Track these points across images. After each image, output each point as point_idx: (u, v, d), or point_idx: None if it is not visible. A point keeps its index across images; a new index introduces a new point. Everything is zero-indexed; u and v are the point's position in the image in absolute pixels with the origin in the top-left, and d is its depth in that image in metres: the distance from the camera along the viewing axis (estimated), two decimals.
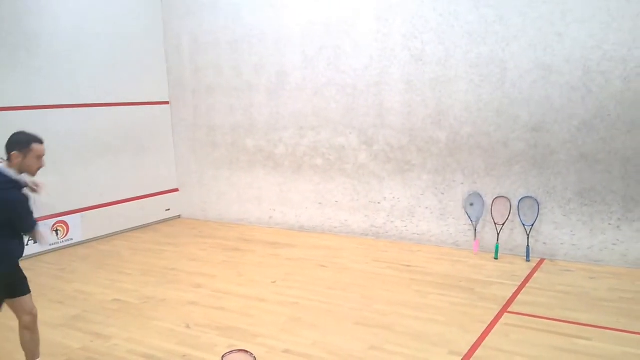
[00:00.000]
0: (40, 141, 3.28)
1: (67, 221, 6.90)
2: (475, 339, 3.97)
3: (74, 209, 7.01)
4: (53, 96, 6.77)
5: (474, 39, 5.85)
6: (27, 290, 3.45)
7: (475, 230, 6.01)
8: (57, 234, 6.80)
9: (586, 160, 5.45)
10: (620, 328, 4.05)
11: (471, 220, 5.98)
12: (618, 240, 5.38)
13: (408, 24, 6.21)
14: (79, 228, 7.05)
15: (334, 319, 4.45)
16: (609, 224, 5.41)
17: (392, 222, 6.69)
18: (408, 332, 4.13)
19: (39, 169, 3.30)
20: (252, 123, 7.56)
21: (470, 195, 5.96)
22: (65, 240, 6.91)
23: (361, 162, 6.80)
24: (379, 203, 6.75)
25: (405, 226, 6.59)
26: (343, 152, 6.91)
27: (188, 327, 4.38)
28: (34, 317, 3.48)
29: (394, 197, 6.63)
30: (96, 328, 4.42)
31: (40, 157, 3.27)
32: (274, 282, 5.39)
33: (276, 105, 7.31)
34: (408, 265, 5.73)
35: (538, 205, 5.72)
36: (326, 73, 6.84)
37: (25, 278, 3.47)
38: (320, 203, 7.19)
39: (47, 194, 3.44)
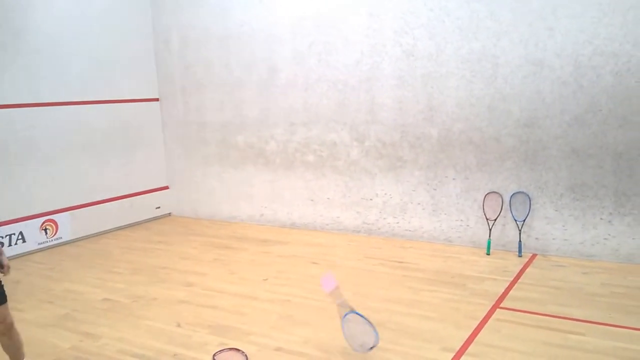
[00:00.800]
0: None
1: (56, 220, 6.82)
2: (467, 335, 3.96)
3: (63, 207, 6.93)
4: (40, 94, 6.68)
5: (465, 35, 5.83)
6: (3, 300, 3.29)
7: None
8: (46, 233, 6.73)
9: (578, 155, 5.45)
10: (613, 323, 4.06)
11: None
12: (610, 235, 5.39)
13: (399, 20, 6.17)
14: (68, 227, 6.97)
15: (326, 316, 4.41)
16: (601, 219, 5.42)
17: (384, 218, 6.67)
18: (401, 329, 4.12)
19: None
20: (243, 119, 7.51)
21: None
22: (54, 239, 6.84)
23: (353, 159, 6.77)
24: (370, 199, 6.72)
25: (397, 222, 6.57)
26: (335, 148, 6.88)
27: (179, 325, 4.33)
28: (9, 324, 3.34)
29: (385, 194, 6.61)
30: (86, 327, 4.37)
31: None
32: (266, 279, 5.35)
33: (267, 101, 7.26)
34: (400, 262, 5.72)
35: (530, 201, 5.72)
36: (317, 69, 6.80)
37: (2, 287, 3.30)
38: (312, 200, 7.16)
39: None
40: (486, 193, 5.94)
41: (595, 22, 5.19)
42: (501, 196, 5.86)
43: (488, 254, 5.83)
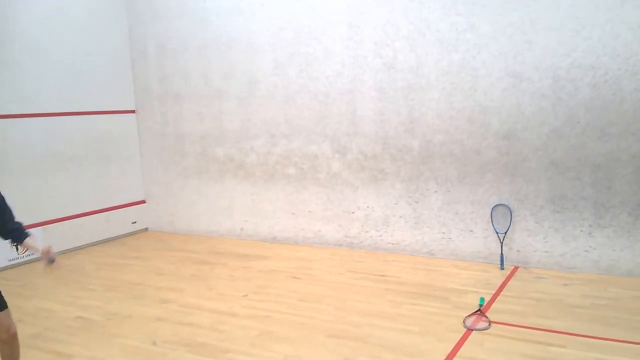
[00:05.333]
0: None
1: None
2: (450, 349, 3.90)
3: (34, 222, 6.71)
4: (12, 105, 6.50)
5: (445, 47, 5.85)
6: (4, 305, 3.35)
7: None
8: (17, 249, 6.51)
9: (557, 167, 5.48)
10: (594, 335, 4.04)
11: None
12: (590, 246, 5.41)
13: (380, 31, 6.18)
14: (40, 242, 6.72)
15: (307, 331, 4.33)
16: (581, 231, 5.44)
17: (366, 231, 6.61)
18: (382, 343, 4.05)
19: None
20: (222, 131, 7.41)
21: None
22: (26, 255, 6.62)
23: (334, 171, 6.72)
24: (352, 213, 6.66)
25: (380, 236, 6.52)
26: (316, 160, 6.82)
27: (155, 344, 4.20)
28: (12, 334, 3.39)
29: (367, 207, 6.56)
30: (57, 347, 4.22)
31: None
32: (245, 295, 5.24)
33: (247, 113, 7.19)
34: (382, 275, 5.65)
35: (511, 213, 5.71)
36: (298, 80, 6.76)
37: (0, 292, 3.35)
38: (293, 213, 7.07)
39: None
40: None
41: (574, 35, 5.24)
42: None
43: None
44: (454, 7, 5.75)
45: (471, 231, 5.97)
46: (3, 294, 3.42)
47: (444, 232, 6.13)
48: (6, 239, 3.32)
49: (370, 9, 6.20)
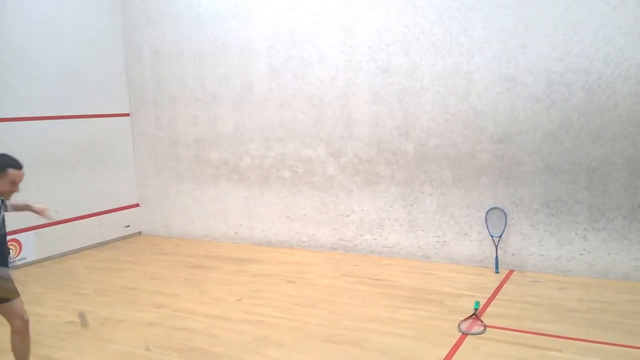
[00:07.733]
0: (18, 167, 3.28)
1: (19, 239, 6.56)
2: (445, 353, 3.89)
3: (27, 226, 6.66)
4: (6, 108, 6.46)
5: (439, 51, 5.86)
6: (17, 293, 3.37)
7: None
8: (9, 253, 6.44)
9: (551, 170, 5.49)
10: (590, 339, 4.04)
11: None
12: (585, 250, 5.41)
13: (374, 36, 6.18)
14: (32, 246, 6.70)
15: (302, 336, 4.30)
16: (576, 234, 5.44)
17: (361, 235, 6.59)
18: (377, 347, 4.02)
19: (11, 193, 3.30)
20: (217, 135, 7.39)
21: None
22: (18, 260, 6.56)
23: (329, 175, 6.70)
24: (347, 216, 6.65)
25: (375, 239, 6.50)
26: (311, 164, 6.80)
27: (148, 349, 4.16)
28: (26, 322, 3.43)
29: (362, 210, 6.54)
30: (49, 352, 4.17)
31: (15, 183, 3.27)
32: (240, 299, 5.20)
33: (241, 116, 7.17)
34: (377, 279, 5.64)
35: (505, 216, 5.71)
36: (292, 84, 6.75)
37: (13, 281, 3.39)
38: (287, 217, 7.04)
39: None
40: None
41: (567, 39, 5.26)
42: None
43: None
44: (448, 12, 5.76)
45: (466, 234, 5.97)
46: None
47: (439, 236, 6.12)
48: None
49: (364, 13, 6.21)
